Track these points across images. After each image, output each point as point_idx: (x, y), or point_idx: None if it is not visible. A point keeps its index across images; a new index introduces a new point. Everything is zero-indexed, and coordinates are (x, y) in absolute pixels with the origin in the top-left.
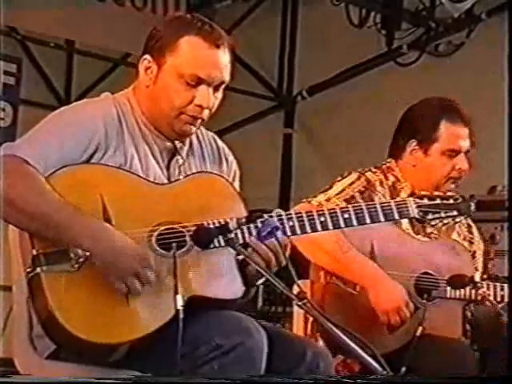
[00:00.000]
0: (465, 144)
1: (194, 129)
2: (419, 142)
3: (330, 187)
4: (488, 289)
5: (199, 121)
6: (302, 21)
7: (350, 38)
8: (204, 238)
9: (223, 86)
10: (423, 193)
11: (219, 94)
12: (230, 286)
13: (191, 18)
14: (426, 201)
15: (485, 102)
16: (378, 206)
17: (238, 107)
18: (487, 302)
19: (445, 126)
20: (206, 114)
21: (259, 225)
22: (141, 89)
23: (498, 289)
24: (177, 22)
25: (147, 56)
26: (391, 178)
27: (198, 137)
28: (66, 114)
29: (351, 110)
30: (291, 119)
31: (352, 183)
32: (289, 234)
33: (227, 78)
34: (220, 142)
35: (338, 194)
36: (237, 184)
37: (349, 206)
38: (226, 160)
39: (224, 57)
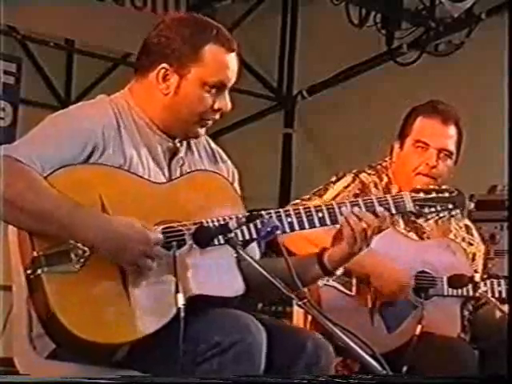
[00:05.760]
0: (439, 141)
1: (204, 131)
2: (398, 138)
3: (326, 189)
4: (485, 285)
5: (211, 122)
6: (301, 21)
7: (349, 38)
8: (204, 238)
9: None
10: (419, 187)
11: None
12: (230, 284)
13: (203, 23)
14: (421, 195)
15: (484, 102)
16: (375, 200)
17: (238, 107)
18: (485, 299)
19: (420, 121)
20: (219, 114)
21: (259, 224)
22: (151, 94)
23: (496, 285)
24: (191, 28)
25: (165, 65)
26: (385, 179)
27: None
28: (63, 116)
29: (351, 109)
30: (291, 119)
31: (347, 186)
32: (287, 230)
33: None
34: (214, 145)
35: (333, 198)
36: (236, 184)
37: (346, 201)
38: (222, 158)
39: (236, 59)
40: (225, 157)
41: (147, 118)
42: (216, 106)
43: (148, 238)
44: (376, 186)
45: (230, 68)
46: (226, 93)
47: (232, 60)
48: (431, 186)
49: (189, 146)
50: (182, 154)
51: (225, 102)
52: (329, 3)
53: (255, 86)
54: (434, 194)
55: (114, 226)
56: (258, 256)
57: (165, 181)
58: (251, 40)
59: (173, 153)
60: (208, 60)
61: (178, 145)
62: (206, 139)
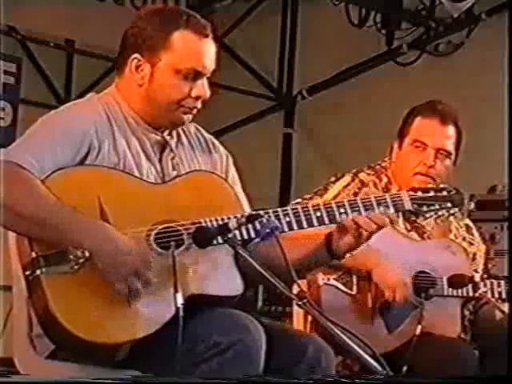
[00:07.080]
0: (437, 141)
1: (190, 117)
2: (397, 138)
3: (326, 189)
4: (485, 286)
5: (195, 110)
6: (301, 21)
7: (349, 38)
8: (204, 238)
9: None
10: (417, 186)
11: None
12: (229, 283)
13: (173, 10)
14: (419, 193)
15: (484, 102)
16: (373, 200)
17: (238, 107)
18: (486, 299)
19: (419, 121)
20: (200, 103)
21: (258, 225)
22: (130, 87)
23: (495, 285)
24: (161, 17)
25: (137, 55)
26: (384, 179)
27: (183, 129)
28: (56, 117)
29: (351, 109)
30: (291, 119)
31: (347, 185)
32: (286, 229)
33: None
34: (205, 133)
35: (334, 197)
36: (232, 169)
37: (344, 200)
38: (214, 147)
39: (212, 45)
40: (217, 144)
41: (133, 112)
42: (193, 94)
43: (143, 258)
44: (375, 185)
45: (204, 54)
46: (205, 80)
47: (206, 46)
48: (429, 185)
49: (179, 139)
50: (172, 147)
51: (203, 89)
52: (329, 3)
53: (255, 86)
54: (432, 193)
55: (112, 238)
56: None
57: (156, 175)
58: (251, 40)
59: (163, 146)
60: (178, 46)
61: (168, 138)
62: (197, 128)
